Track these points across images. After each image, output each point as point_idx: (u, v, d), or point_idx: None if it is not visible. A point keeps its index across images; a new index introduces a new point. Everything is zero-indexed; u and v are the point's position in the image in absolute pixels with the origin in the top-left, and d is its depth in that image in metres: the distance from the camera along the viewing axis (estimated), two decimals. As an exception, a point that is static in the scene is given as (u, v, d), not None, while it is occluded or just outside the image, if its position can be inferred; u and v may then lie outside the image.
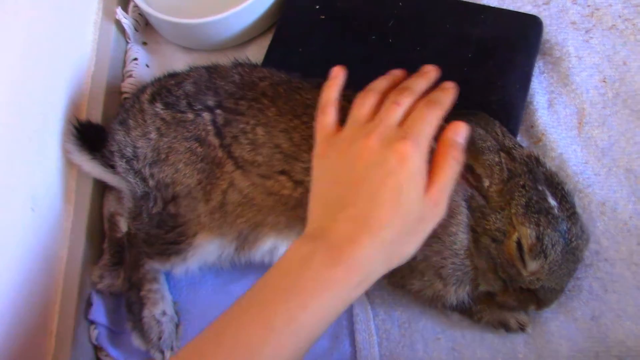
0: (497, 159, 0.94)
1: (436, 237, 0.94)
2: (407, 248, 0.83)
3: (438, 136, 0.86)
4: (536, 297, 0.93)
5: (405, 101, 0.87)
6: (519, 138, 1.13)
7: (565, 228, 0.91)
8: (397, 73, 0.96)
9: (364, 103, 0.89)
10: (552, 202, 0.92)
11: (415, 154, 0.80)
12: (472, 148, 0.93)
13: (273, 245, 1.03)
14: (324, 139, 0.90)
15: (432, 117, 0.85)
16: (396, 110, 0.86)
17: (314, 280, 0.76)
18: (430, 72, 0.94)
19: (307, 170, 0.98)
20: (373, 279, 0.81)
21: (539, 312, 1.00)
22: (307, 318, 0.75)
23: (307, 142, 1.00)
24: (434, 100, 0.87)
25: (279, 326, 0.74)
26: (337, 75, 0.94)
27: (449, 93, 0.90)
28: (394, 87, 0.92)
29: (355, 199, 0.80)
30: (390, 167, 0.80)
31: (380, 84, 0.93)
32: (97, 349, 1.12)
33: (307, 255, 0.78)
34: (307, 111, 1.02)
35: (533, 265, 0.90)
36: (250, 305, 0.77)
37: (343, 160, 0.85)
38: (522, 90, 1.13)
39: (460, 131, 0.86)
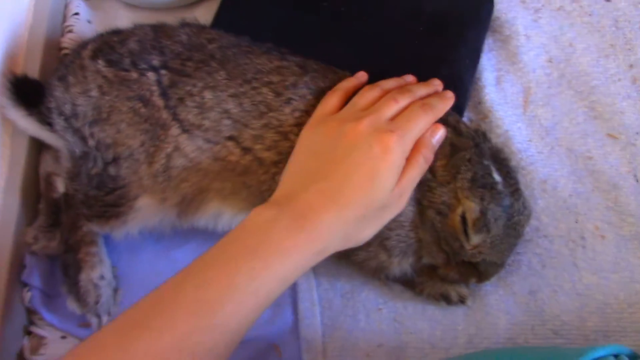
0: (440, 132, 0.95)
1: None
2: (366, 231, 0.88)
3: None
4: (477, 271, 0.95)
5: (404, 100, 0.93)
6: (466, 114, 1.14)
7: (508, 203, 0.92)
8: (408, 78, 1.03)
9: (367, 94, 0.95)
10: (497, 177, 0.94)
11: (397, 149, 0.85)
12: None
13: (217, 211, 1.01)
14: (319, 115, 0.94)
15: (422, 120, 0.91)
16: (392, 106, 0.91)
17: (277, 244, 0.78)
18: (437, 86, 1.02)
19: (256, 138, 0.97)
20: (329, 252, 0.84)
21: (480, 285, 1.02)
22: (268, 279, 0.77)
23: (257, 108, 0.98)
24: (429, 105, 0.93)
25: (241, 284, 0.75)
26: (361, 77, 1.01)
27: (446, 102, 0.97)
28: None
29: (330, 174, 0.84)
30: (372, 154, 0.84)
31: (388, 83, 0.99)
32: (30, 312, 1.08)
33: (271, 219, 0.80)
34: (258, 76, 1.00)
35: (476, 238, 0.91)
36: (214, 262, 0.78)
37: (329, 136, 0.89)
38: (472, 66, 1.14)
39: (437, 134, 0.93)
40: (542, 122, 1.13)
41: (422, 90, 0.98)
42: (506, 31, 1.20)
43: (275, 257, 0.78)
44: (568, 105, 1.14)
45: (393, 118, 0.90)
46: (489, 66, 1.18)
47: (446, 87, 1.06)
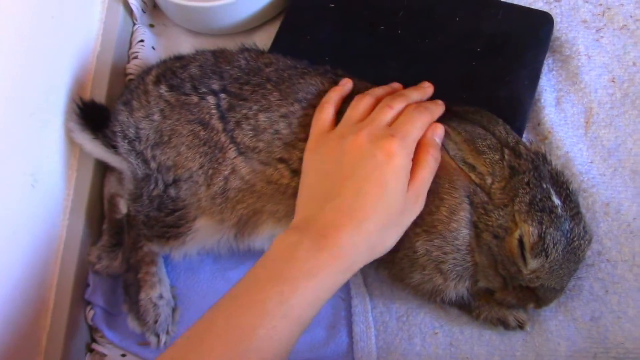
0: (497, 157, 0.94)
1: (437, 232, 0.94)
2: (389, 239, 0.88)
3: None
4: (535, 296, 0.93)
5: (398, 105, 0.94)
6: (525, 135, 1.12)
7: (567, 227, 0.90)
8: (395, 85, 1.04)
9: (359, 105, 0.96)
10: (556, 200, 0.92)
11: (401, 152, 0.86)
12: (473, 148, 0.94)
13: (272, 233, 1.03)
14: (316, 134, 0.96)
15: (420, 121, 0.91)
16: (387, 112, 0.92)
17: (301, 266, 0.80)
18: (427, 88, 1.02)
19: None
20: (357, 267, 0.86)
21: (538, 310, 0.99)
22: (297, 301, 0.78)
23: (304, 129, 1.00)
24: (424, 106, 0.94)
25: (271, 309, 0.77)
26: (345, 84, 1.02)
27: (439, 106, 0.97)
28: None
29: (342, 191, 0.85)
30: (377, 162, 0.85)
31: (378, 90, 1.00)
32: (92, 329, 1.12)
33: (294, 243, 0.82)
34: (309, 96, 1.02)
35: (534, 263, 0.89)
36: (243, 291, 0.81)
37: (332, 154, 0.90)
38: (531, 87, 1.12)
39: (438, 132, 0.93)
40: (605, 143, 1.10)
41: (414, 94, 0.99)
42: (566, 51, 1.18)
43: (301, 279, 0.79)
44: (632, 125, 1.10)
45: (390, 124, 0.91)
46: (548, 87, 1.16)
47: (504, 108, 1.05)
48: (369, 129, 0.89)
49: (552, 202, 0.91)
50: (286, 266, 0.80)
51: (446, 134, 0.96)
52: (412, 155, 0.88)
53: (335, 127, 0.96)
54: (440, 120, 0.97)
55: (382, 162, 0.85)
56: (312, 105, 1.01)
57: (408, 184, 0.87)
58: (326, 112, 0.97)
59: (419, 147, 0.90)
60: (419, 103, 0.96)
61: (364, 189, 0.84)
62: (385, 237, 0.87)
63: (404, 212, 0.88)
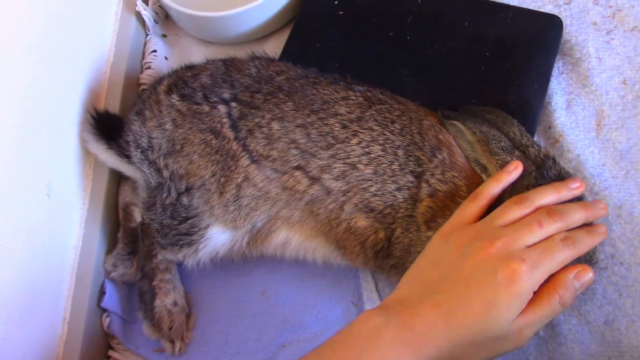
0: (509, 160, 0.94)
1: None
2: (474, 356, 0.82)
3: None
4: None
5: (550, 227, 0.84)
6: (536, 138, 1.12)
7: None
8: (573, 185, 0.91)
9: (512, 210, 0.86)
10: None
11: (525, 280, 0.78)
12: (486, 149, 0.93)
13: (285, 239, 1.04)
14: (455, 222, 0.89)
15: (561, 255, 0.82)
16: (534, 231, 0.83)
17: (381, 354, 0.76)
18: (600, 210, 0.90)
19: (324, 168, 0.99)
20: None
21: (551, 314, 0.99)
22: None
23: (324, 138, 1.00)
24: (573, 240, 0.83)
25: None
26: (513, 171, 0.92)
27: (595, 237, 0.87)
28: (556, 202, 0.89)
29: (449, 291, 0.80)
30: (495, 281, 0.78)
31: (544, 195, 0.88)
32: (109, 336, 1.13)
33: (379, 326, 0.78)
34: (324, 107, 1.02)
35: None
36: None
37: (458, 250, 0.84)
38: (540, 91, 1.12)
39: (582, 277, 0.83)
40: (617, 145, 1.09)
41: (577, 215, 0.87)
42: (577, 54, 1.17)
43: None
44: (644, 127, 1.10)
45: (531, 244, 0.82)
46: (559, 90, 1.16)
47: (514, 112, 1.05)
48: (504, 242, 0.81)
49: None
50: (365, 350, 0.76)
51: (461, 133, 0.96)
52: (535, 288, 0.80)
53: (477, 221, 0.89)
54: (457, 119, 0.97)
55: (500, 283, 0.78)
56: (330, 116, 1.01)
57: (519, 313, 0.80)
58: (477, 205, 0.89)
59: (551, 281, 0.82)
60: (572, 232, 0.85)
61: (471, 300, 0.79)
62: (471, 353, 0.80)
63: (502, 340, 0.80)
